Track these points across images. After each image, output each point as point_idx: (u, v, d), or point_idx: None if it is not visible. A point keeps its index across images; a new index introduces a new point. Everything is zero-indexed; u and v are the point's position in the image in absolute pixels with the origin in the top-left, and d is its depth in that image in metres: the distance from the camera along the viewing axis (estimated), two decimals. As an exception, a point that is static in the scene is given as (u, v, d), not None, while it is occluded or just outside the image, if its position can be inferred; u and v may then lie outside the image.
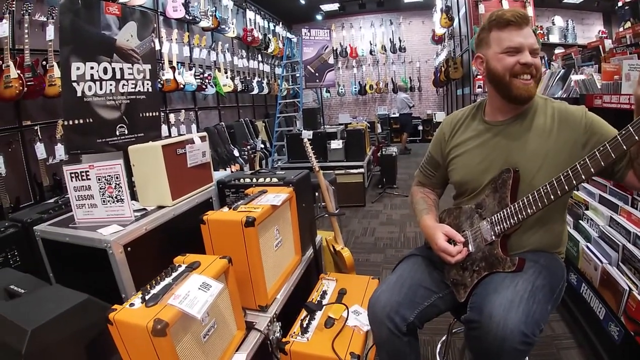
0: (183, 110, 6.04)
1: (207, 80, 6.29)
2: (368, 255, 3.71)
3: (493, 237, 1.35)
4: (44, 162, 3.80)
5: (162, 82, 5.29)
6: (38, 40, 3.76)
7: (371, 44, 11.17)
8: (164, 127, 5.43)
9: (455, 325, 1.86)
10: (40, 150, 3.74)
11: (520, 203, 1.27)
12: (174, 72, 5.48)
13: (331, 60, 7.65)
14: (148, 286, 1.23)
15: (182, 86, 5.66)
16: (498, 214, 1.34)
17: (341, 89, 11.46)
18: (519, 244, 1.40)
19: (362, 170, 5.31)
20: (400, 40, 11.02)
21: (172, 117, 5.71)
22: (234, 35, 7.41)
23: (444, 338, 2.18)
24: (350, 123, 7.27)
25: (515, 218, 1.28)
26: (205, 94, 6.78)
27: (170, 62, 5.51)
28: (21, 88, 3.43)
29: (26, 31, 3.55)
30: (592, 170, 1.11)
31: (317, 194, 3.18)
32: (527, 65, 1.31)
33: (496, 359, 1.18)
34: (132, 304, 1.16)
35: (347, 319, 1.65)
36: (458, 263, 1.45)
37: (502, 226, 1.33)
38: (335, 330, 1.59)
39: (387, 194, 5.81)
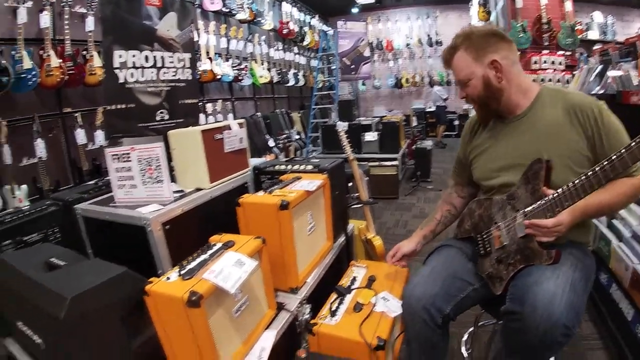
0: (220, 100, 6.14)
1: (243, 72, 6.37)
2: (399, 247, 3.68)
3: None
4: (84, 148, 3.95)
5: (199, 72, 5.39)
6: (78, 31, 3.90)
7: (407, 37, 11.01)
8: (201, 117, 5.54)
9: (482, 317, 1.85)
10: (80, 136, 3.88)
11: (558, 195, 1.24)
12: (211, 63, 5.58)
13: (367, 53, 7.62)
14: (185, 262, 1.28)
15: (219, 77, 5.75)
16: (534, 207, 1.32)
17: (377, 82, 11.36)
18: None
19: (396, 162, 5.29)
20: (436, 34, 10.81)
21: (209, 106, 5.81)
22: (270, 28, 7.46)
23: (470, 330, 2.17)
24: (385, 116, 7.21)
25: (553, 211, 1.26)
26: (242, 85, 6.85)
27: (208, 53, 5.60)
28: (62, 76, 3.58)
29: (66, 22, 3.68)
30: (628, 162, 1.10)
31: (350, 184, 3.20)
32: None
33: (535, 351, 1.18)
34: (168, 278, 1.21)
35: (375, 304, 1.66)
36: (492, 257, 1.46)
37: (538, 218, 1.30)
38: (363, 315, 1.61)
39: (421, 187, 5.76)
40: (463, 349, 2.13)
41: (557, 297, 1.16)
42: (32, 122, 3.58)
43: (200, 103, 5.63)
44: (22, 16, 3.41)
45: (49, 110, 3.88)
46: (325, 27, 9.82)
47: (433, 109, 9.93)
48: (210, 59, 5.59)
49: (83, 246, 1.86)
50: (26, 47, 3.44)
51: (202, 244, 1.42)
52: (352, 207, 2.56)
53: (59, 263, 1.37)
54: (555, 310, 1.13)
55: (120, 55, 1.88)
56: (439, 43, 10.84)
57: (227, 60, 6.10)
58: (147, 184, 1.71)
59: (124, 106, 1.92)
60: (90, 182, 2.31)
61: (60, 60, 3.60)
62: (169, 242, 1.58)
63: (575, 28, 6.07)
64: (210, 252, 1.34)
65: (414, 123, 8.00)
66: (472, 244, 1.61)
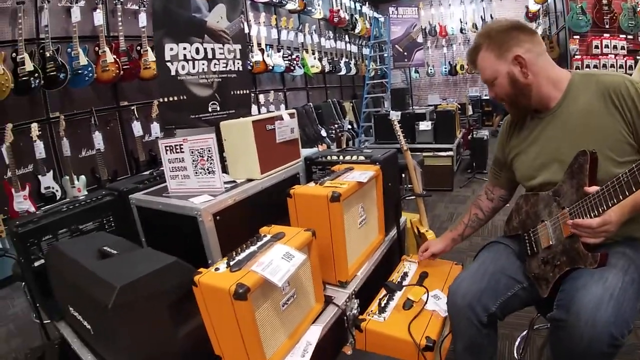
0: (272, 91, 6.19)
1: (295, 62, 6.39)
2: (452, 241, 3.56)
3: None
4: (141, 139, 4.12)
5: (251, 63, 5.45)
6: (132, 28, 4.08)
7: (461, 22, 10.54)
8: (254, 108, 5.61)
9: (537, 320, 1.73)
10: (137, 128, 4.06)
11: (601, 193, 1.10)
12: (262, 54, 5.62)
13: (420, 39, 7.41)
14: (234, 253, 1.27)
15: (270, 68, 5.80)
16: (577, 205, 1.19)
17: (430, 69, 11.03)
18: None
19: (451, 153, 5.12)
20: (492, 18, 10.29)
21: (261, 97, 5.87)
22: (321, 17, 7.43)
23: (523, 334, 2.04)
24: (439, 104, 7.01)
25: (596, 211, 1.12)
26: (294, 75, 6.89)
27: (259, 44, 5.65)
28: (117, 71, 3.79)
29: (119, 19, 3.87)
30: None
31: (403, 175, 3.11)
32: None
33: None
34: (217, 269, 1.21)
35: (426, 302, 1.60)
36: (539, 257, 1.38)
37: (582, 218, 1.17)
38: (413, 313, 1.55)
39: (477, 179, 5.53)
40: (515, 353, 2.01)
41: (604, 303, 1.07)
42: (90, 116, 3.75)
43: (253, 94, 5.70)
44: (76, 15, 3.60)
45: (106, 104, 4.10)
46: (376, 14, 9.64)
47: (489, 96, 9.53)
48: (261, 50, 5.63)
49: (137, 235, 1.93)
50: (81, 45, 3.63)
51: (253, 235, 1.41)
52: (405, 199, 2.47)
53: (112, 251, 1.40)
54: (601, 318, 1.04)
55: (171, 48, 1.90)
56: (495, 27, 10.34)
57: (278, 51, 6.13)
58: (199, 174, 1.74)
59: (176, 98, 1.95)
60: (145, 173, 2.37)
61: (115, 56, 3.77)
62: (219, 233, 1.59)
63: (638, 9, 5.65)
64: (259, 243, 1.33)
65: (470, 112, 7.71)
66: (521, 241, 1.52)
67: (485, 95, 9.92)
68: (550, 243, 1.33)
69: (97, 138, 3.79)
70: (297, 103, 7.17)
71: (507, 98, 1.40)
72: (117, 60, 3.82)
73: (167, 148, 1.77)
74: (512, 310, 1.42)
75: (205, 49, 2.03)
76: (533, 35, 1.35)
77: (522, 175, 1.51)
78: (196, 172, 1.73)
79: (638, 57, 4.97)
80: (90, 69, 3.66)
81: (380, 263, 1.96)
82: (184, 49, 1.94)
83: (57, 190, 3.60)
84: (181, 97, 1.96)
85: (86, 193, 3.60)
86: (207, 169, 1.71)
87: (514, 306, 1.42)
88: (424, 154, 4.79)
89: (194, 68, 1.99)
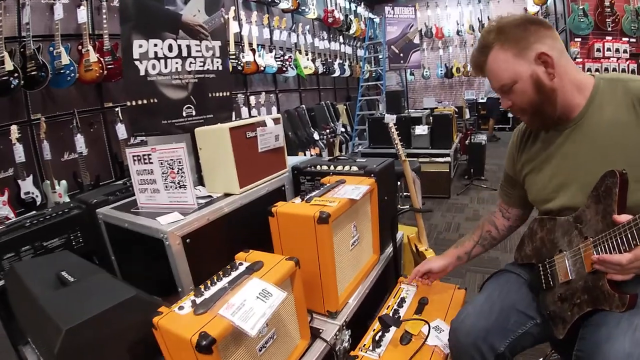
0: (263, 93, 6.00)
1: (287, 63, 6.21)
2: (451, 254, 3.36)
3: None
4: (125, 142, 3.92)
5: (242, 64, 5.26)
6: (117, 26, 3.85)
7: (458, 24, 10.41)
8: (245, 110, 5.42)
9: (553, 355, 1.54)
10: (121, 130, 3.86)
11: (634, 224, 0.91)
12: (254, 55, 5.43)
13: (417, 40, 7.25)
14: (202, 287, 1.09)
15: (262, 68, 5.61)
16: (604, 236, 1.00)
17: (426, 72, 10.89)
18: None
19: (448, 159, 4.93)
20: (489, 20, 10.16)
21: (252, 99, 5.68)
22: (315, 17, 7.23)
23: None
24: (435, 107, 6.83)
25: (627, 244, 0.93)
26: (286, 77, 6.70)
27: (251, 44, 5.46)
28: (101, 71, 3.60)
29: (104, 17, 3.70)
30: None
31: (399, 183, 2.91)
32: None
33: None
34: (181, 307, 1.02)
35: (427, 336, 1.40)
36: (555, 292, 1.19)
37: (609, 253, 0.98)
38: (412, 349, 1.35)
39: (475, 186, 5.36)
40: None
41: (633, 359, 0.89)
42: (72, 118, 3.57)
43: (243, 96, 5.51)
44: (59, 12, 3.42)
45: (90, 105, 3.91)
46: (371, 15, 9.47)
47: (484, 99, 9.37)
48: (253, 50, 5.44)
49: (106, 252, 1.74)
50: (64, 43, 3.45)
51: (230, 259, 1.24)
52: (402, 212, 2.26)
53: (69, 279, 1.26)
54: None
55: (140, 45, 1.68)
56: (492, 30, 10.20)
57: (270, 51, 5.95)
58: (170, 188, 1.54)
59: (145, 101, 1.72)
60: (118, 182, 2.17)
61: (99, 55, 3.62)
62: (190, 258, 1.39)
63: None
64: (233, 275, 1.14)
65: (467, 115, 7.54)
66: (535, 271, 1.32)
67: (482, 98, 9.76)
68: (570, 278, 1.13)
69: (80, 141, 3.60)
70: (290, 105, 6.98)
71: (530, 107, 1.16)
72: (101, 59, 3.64)
73: (135, 158, 1.57)
74: (522, 349, 1.25)
75: (179, 45, 1.80)
76: (552, 30, 1.14)
77: (535, 197, 1.31)
78: (166, 186, 1.53)
79: (640, 61, 4.88)
80: (72, 68, 3.47)
81: (374, 286, 1.78)
82: (155, 45, 1.71)
83: (37, 196, 3.41)
84: (152, 100, 1.74)
85: (67, 198, 3.42)
86: (178, 183, 1.50)
87: (525, 344, 1.25)
88: (420, 159, 4.60)
89: (166, 67, 1.76)
